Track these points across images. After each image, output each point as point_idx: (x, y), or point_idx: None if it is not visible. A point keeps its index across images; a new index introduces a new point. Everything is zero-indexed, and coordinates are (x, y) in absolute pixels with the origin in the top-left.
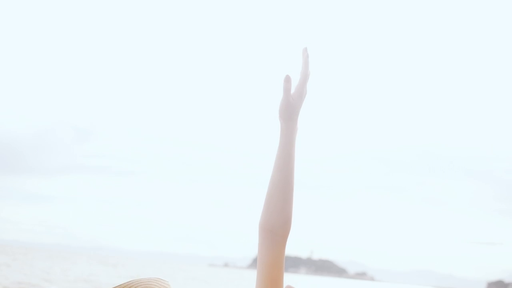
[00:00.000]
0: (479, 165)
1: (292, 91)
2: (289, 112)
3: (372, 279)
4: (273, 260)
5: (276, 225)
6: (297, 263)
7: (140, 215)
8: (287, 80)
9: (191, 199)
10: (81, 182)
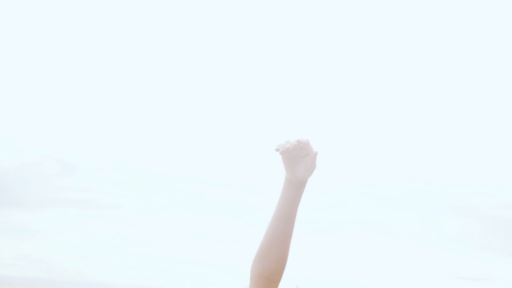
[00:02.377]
0: (464, 201)
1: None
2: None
3: None
4: None
5: (274, 273)
6: None
7: (126, 249)
8: (316, 154)
9: (178, 233)
10: (66, 216)
